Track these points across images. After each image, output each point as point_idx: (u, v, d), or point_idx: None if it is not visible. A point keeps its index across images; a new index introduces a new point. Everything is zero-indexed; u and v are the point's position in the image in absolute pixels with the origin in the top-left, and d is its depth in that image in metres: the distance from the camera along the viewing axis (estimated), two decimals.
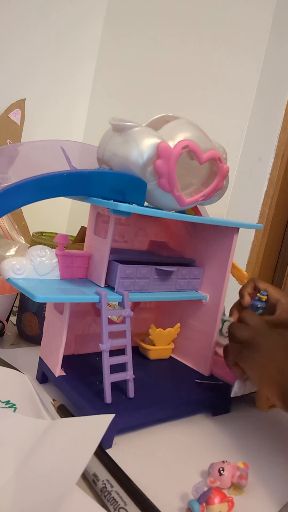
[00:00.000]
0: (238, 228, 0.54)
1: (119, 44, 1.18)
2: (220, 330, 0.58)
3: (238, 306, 0.59)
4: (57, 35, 1.13)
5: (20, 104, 1.06)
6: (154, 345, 0.59)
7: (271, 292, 0.57)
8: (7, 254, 0.87)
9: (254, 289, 0.58)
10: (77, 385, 0.47)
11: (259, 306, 0.56)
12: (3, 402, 0.45)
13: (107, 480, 0.36)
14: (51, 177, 0.41)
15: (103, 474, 0.37)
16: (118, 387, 0.47)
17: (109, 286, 0.49)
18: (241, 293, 0.58)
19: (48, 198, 0.41)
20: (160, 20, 1.06)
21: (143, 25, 1.11)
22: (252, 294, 0.58)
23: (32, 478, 0.34)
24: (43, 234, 0.70)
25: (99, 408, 0.43)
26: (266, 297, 0.56)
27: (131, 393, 0.46)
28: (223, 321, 0.58)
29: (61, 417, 0.45)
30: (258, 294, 0.57)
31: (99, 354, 0.46)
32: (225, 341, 0.56)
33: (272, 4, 0.83)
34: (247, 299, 0.57)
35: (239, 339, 0.47)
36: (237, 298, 0.60)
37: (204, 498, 0.34)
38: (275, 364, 0.43)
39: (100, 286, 0.48)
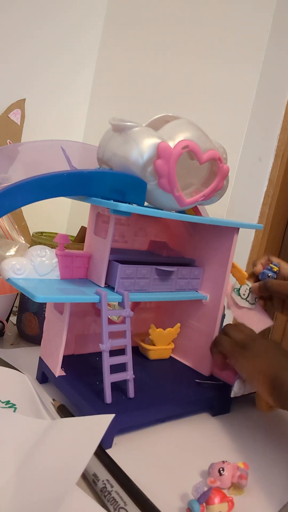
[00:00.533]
0: (238, 228, 0.54)
1: (119, 44, 1.18)
2: (238, 291, 0.59)
3: (251, 274, 0.62)
4: (57, 35, 1.13)
5: (20, 104, 1.06)
6: (154, 345, 0.59)
7: (283, 265, 0.60)
8: (7, 254, 0.87)
9: (268, 260, 0.61)
10: (77, 385, 0.47)
11: (269, 275, 0.59)
12: (3, 402, 0.45)
13: (107, 480, 0.36)
14: (51, 177, 0.41)
15: (103, 474, 0.37)
16: (118, 387, 0.47)
17: (109, 286, 0.49)
18: (254, 262, 0.61)
19: (48, 198, 0.41)
20: (160, 20, 1.06)
21: (143, 25, 1.11)
22: (265, 264, 0.61)
23: (32, 478, 0.34)
24: (43, 234, 0.70)
25: (99, 408, 0.43)
26: (277, 268, 0.59)
27: (131, 393, 0.46)
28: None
29: (61, 417, 0.45)
30: (270, 264, 0.59)
31: (99, 354, 0.46)
32: (241, 302, 0.59)
33: (272, 4, 0.83)
34: (259, 267, 0.60)
35: (233, 339, 0.51)
36: None
37: (204, 498, 0.34)
38: (264, 360, 0.47)
39: (100, 286, 0.48)
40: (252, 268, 0.62)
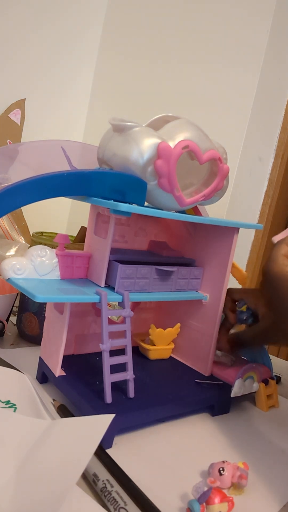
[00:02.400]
0: (238, 228, 0.54)
1: (119, 44, 1.18)
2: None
3: (228, 324, 0.57)
4: (58, 36, 1.13)
5: (20, 104, 1.06)
6: (154, 345, 0.59)
7: (247, 299, 0.56)
8: (7, 254, 0.87)
9: (233, 302, 0.56)
10: (77, 385, 0.47)
11: (245, 318, 0.55)
12: (3, 402, 0.45)
13: (107, 480, 0.36)
14: (51, 177, 0.41)
15: (103, 474, 0.37)
16: (118, 387, 0.47)
17: (109, 286, 0.49)
18: (224, 313, 0.56)
19: (48, 198, 0.41)
20: (160, 20, 1.06)
21: (143, 24, 1.11)
22: (232, 307, 0.56)
23: (32, 478, 0.34)
24: (43, 234, 0.70)
25: (99, 408, 0.43)
26: (245, 306, 0.55)
27: (131, 393, 0.46)
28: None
29: (61, 417, 0.45)
30: (237, 308, 0.56)
31: (99, 354, 0.46)
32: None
33: (272, 4, 0.83)
34: (232, 317, 0.56)
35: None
36: None
37: (204, 498, 0.34)
38: None
39: (100, 286, 0.48)
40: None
